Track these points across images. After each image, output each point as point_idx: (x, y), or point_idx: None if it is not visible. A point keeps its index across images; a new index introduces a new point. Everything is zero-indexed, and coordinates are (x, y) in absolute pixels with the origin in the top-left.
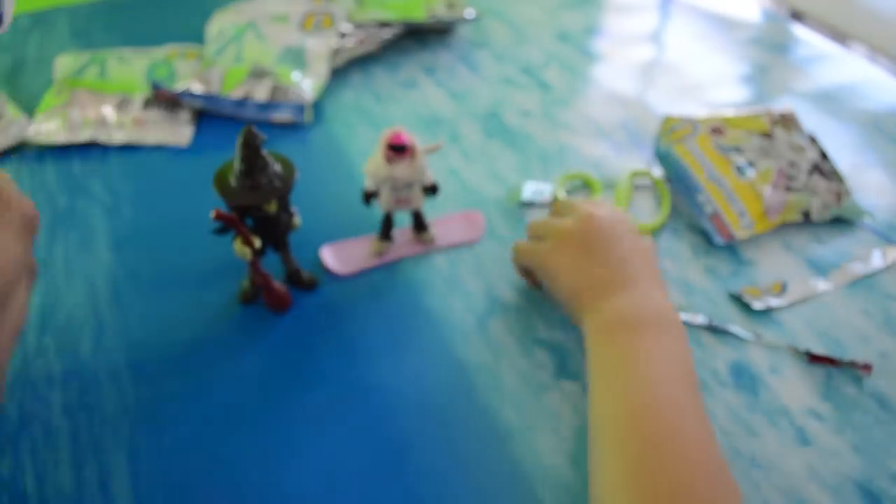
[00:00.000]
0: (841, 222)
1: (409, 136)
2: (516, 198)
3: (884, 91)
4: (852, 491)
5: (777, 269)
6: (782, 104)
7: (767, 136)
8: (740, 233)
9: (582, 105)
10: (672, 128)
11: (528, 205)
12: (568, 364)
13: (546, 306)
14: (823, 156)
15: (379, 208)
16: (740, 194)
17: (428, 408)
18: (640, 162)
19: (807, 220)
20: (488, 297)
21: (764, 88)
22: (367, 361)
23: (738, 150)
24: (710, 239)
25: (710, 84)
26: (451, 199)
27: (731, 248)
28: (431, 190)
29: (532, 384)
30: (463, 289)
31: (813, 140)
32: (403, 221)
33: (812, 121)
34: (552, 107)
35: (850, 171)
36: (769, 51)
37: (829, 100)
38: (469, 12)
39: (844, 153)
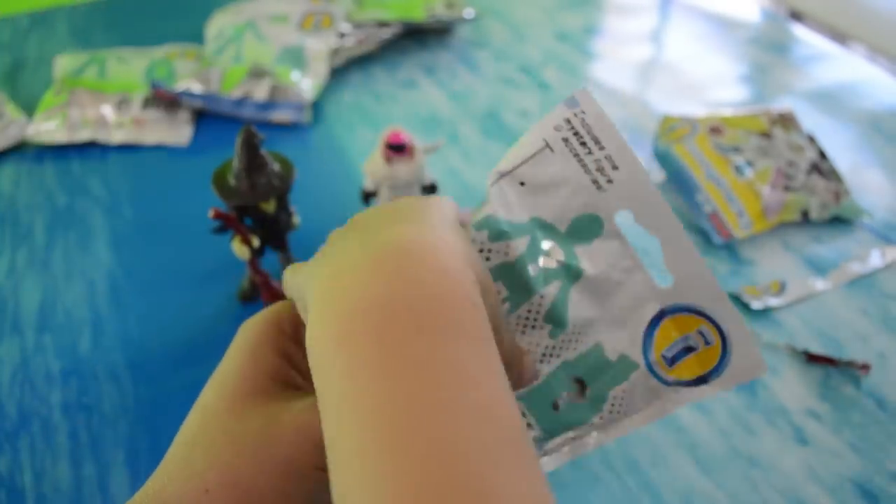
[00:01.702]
0: (840, 222)
1: (408, 136)
2: None
3: (883, 91)
4: (851, 490)
5: (776, 268)
6: (782, 104)
7: (766, 135)
8: (739, 232)
9: None
10: (671, 127)
11: None
12: None
13: None
14: (822, 155)
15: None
16: (739, 194)
17: None
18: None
19: (805, 219)
20: None
21: (763, 88)
22: None
23: (736, 149)
24: (709, 238)
25: (710, 83)
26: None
27: (730, 248)
28: (430, 189)
29: None
30: None
31: (812, 140)
32: None
33: (811, 120)
34: (551, 106)
35: (849, 171)
36: (768, 51)
37: (829, 100)
38: (468, 12)
39: (843, 153)
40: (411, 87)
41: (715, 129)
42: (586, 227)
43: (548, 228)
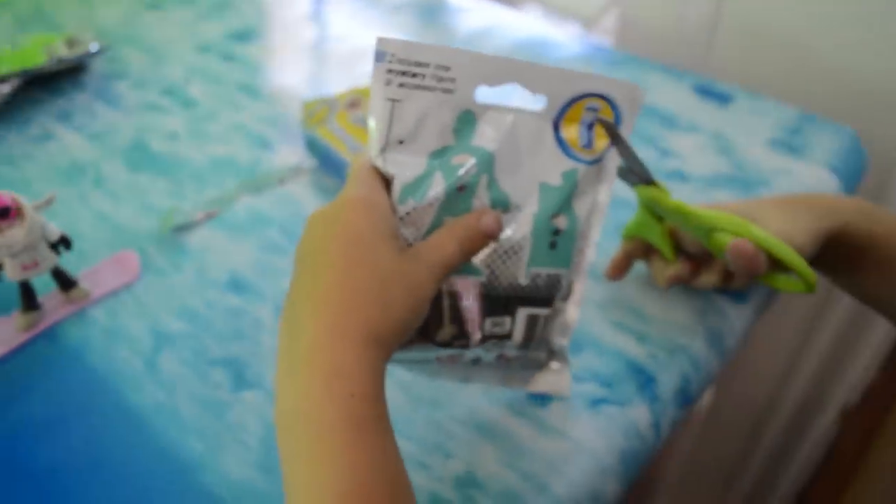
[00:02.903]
0: None
1: (11, 196)
2: (169, 225)
3: (514, 30)
4: (524, 396)
5: None
6: None
7: None
8: None
9: (231, 113)
10: (312, 112)
11: (183, 228)
12: (245, 374)
13: (219, 322)
14: None
15: (10, 281)
16: None
17: (108, 471)
18: (296, 156)
19: None
20: (153, 334)
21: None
22: (34, 444)
23: None
24: None
25: (361, 58)
26: (103, 245)
27: None
28: (63, 243)
29: (211, 406)
30: (126, 335)
31: None
32: (49, 285)
33: None
34: (199, 122)
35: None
36: (416, 15)
37: (468, 44)
38: (94, 45)
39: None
40: (47, 140)
41: (352, 104)
42: (466, 124)
43: (443, 151)
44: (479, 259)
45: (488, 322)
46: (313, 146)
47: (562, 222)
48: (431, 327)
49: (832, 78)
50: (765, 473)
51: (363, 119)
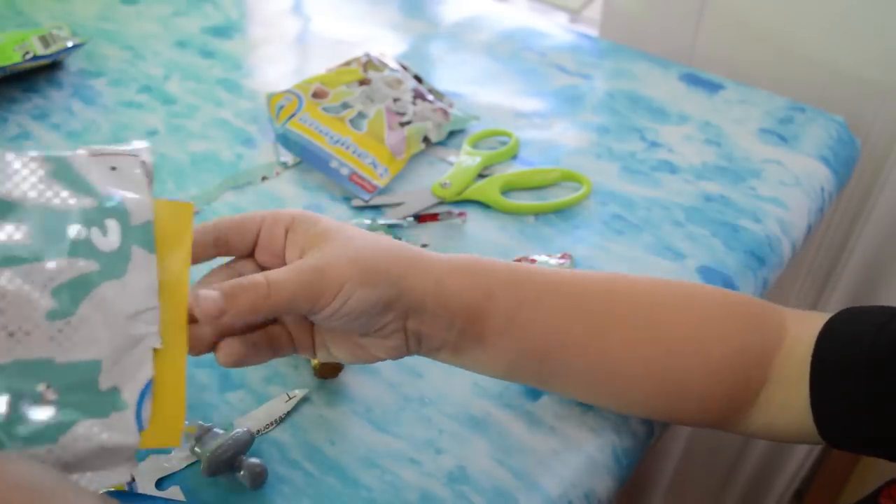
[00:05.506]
0: (455, 134)
1: None
2: None
3: (500, 20)
4: (515, 391)
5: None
6: (412, 47)
7: (365, 81)
8: (381, 181)
9: (212, 109)
10: (279, 105)
11: None
12: (230, 376)
13: None
14: (418, 79)
15: None
16: (365, 146)
17: None
18: (273, 152)
19: (428, 144)
20: None
21: (405, 34)
22: None
23: (345, 105)
24: (359, 197)
25: (348, 50)
26: None
27: (384, 195)
28: None
29: (198, 407)
30: None
31: (405, 67)
32: None
33: (440, 56)
34: (178, 119)
35: (471, 93)
36: (403, 6)
37: (453, 35)
38: (69, 42)
39: (464, 77)
40: (24, 140)
41: (317, 94)
42: None
43: None
44: None
45: None
46: (288, 141)
47: None
48: None
49: (820, 69)
50: (761, 472)
51: (332, 107)
